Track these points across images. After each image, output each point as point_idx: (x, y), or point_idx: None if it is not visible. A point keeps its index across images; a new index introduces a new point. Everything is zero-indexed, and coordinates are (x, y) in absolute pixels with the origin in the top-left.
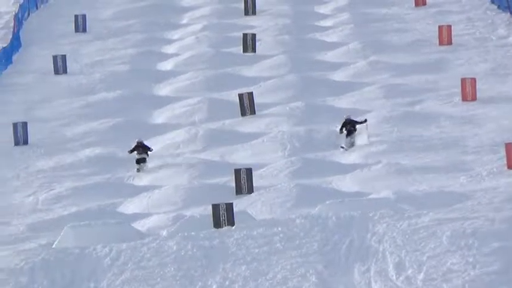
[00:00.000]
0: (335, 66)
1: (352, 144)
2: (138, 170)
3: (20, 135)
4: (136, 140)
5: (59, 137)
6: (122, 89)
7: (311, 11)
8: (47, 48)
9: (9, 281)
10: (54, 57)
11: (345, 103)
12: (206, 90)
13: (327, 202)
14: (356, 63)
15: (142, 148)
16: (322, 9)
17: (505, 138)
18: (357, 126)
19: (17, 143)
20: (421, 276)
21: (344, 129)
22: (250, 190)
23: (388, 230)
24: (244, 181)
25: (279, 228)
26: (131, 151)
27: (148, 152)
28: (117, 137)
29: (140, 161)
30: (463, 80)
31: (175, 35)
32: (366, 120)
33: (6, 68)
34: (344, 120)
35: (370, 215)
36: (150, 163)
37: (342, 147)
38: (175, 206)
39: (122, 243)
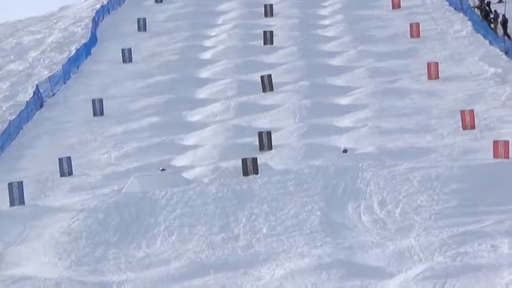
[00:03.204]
0: (332, 54)
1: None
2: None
3: (98, 108)
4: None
5: (126, 109)
6: (173, 73)
7: (314, 13)
8: (116, 43)
9: (90, 217)
10: (122, 50)
11: (340, 82)
12: (236, 73)
13: (327, 155)
14: (348, 51)
15: None
16: (323, 12)
17: (460, 107)
18: None
19: (95, 114)
20: (398, 210)
21: None
22: (270, 147)
23: (373, 176)
24: (265, 141)
25: (292, 176)
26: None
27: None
28: (170, 109)
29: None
30: (429, 64)
31: (212, 32)
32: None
33: (86, 58)
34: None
35: (360, 165)
36: (195, 130)
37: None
38: (214, 160)
39: (174, 188)
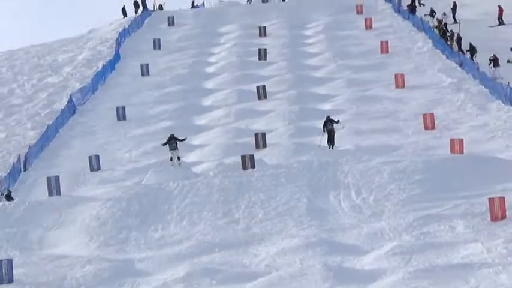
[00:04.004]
0: (316, 68)
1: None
2: (171, 159)
3: (121, 114)
4: (170, 134)
5: (145, 115)
6: (183, 84)
7: (300, 33)
8: (136, 59)
9: (115, 205)
10: (141, 65)
11: (323, 90)
12: (235, 84)
13: (312, 152)
14: (329, 65)
15: (174, 140)
16: (307, 32)
17: (423, 111)
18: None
19: (119, 119)
20: (371, 197)
21: (326, 129)
22: (265, 146)
23: (351, 169)
24: (260, 140)
25: (283, 170)
26: (164, 144)
27: (181, 142)
28: (181, 115)
29: (172, 159)
30: (396, 75)
31: (216, 50)
32: (338, 121)
33: (111, 72)
34: (325, 119)
35: (339, 160)
36: (202, 132)
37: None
38: (218, 157)
39: (184, 180)
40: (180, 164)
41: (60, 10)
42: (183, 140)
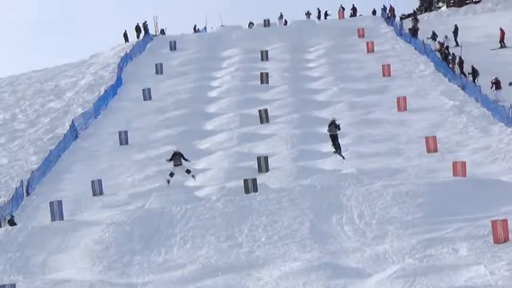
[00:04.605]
0: (318, 91)
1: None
2: (168, 182)
3: (123, 138)
4: (174, 150)
5: (147, 139)
6: (185, 109)
7: (302, 57)
8: (138, 84)
9: (118, 229)
10: (143, 90)
11: (325, 114)
12: (238, 108)
13: (315, 176)
14: (331, 89)
15: (179, 156)
16: (309, 56)
17: (425, 133)
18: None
19: (121, 143)
20: (374, 221)
21: (329, 134)
22: (267, 170)
23: (353, 192)
24: (263, 164)
25: (285, 193)
26: (169, 160)
27: (186, 162)
28: (183, 139)
29: (173, 174)
30: (398, 98)
31: (218, 74)
32: (339, 126)
33: (113, 97)
34: (331, 120)
35: (342, 183)
36: (204, 156)
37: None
38: (220, 181)
39: (187, 204)
40: (193, 176)
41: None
42: (188, 160)
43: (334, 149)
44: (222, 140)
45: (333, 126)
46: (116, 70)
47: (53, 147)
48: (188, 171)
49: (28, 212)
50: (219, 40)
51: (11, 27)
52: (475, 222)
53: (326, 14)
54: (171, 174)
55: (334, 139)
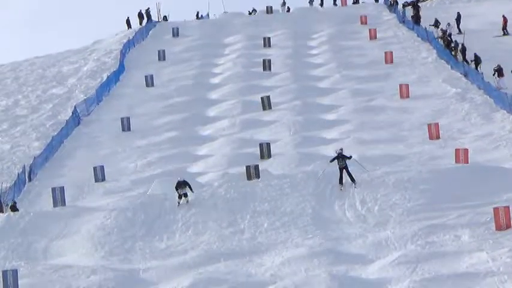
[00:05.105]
0: (320, 78)
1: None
2: (179, 203)
3: (125, 125)
4: (178, 179)
5: (149, 125)
6: (188, 95)
7: (305, 44)
8: (140, 70)
9: (121, 215)
10: (146, 76)
11: (327, 101)
12: (240, 95)
13: (317, 162)
14: (333, 75)
15: (184, 185)
16: (312, 43)
17: (427, 121)
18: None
19: (123, 130)
20: (376, 207)
21: (337, 164)
22: (269, 156)
23: (355, 179)
24: (265, 150)
25: (287, 180)
26: (176, 189)
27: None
28: (185, 125)
29: (181, 196)
30: (400, 85)
31: (220, 61)
32: (351, 157)
33: (115, 84)
34: (337, 154)
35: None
36: (207, 143)
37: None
38: (222, 167)
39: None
40: (187, 201)
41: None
42: (193, 191)
43: (341, 184)
44: (224, 127)
45: (341, 160)
46: (119, 56)
47: (55, 133)
48: (186, 195)
49: (30, 198)
50: (221, 26)
51: (14, 14)
52: (477, 209)
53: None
54: (180, 197)
55: (343, 170)
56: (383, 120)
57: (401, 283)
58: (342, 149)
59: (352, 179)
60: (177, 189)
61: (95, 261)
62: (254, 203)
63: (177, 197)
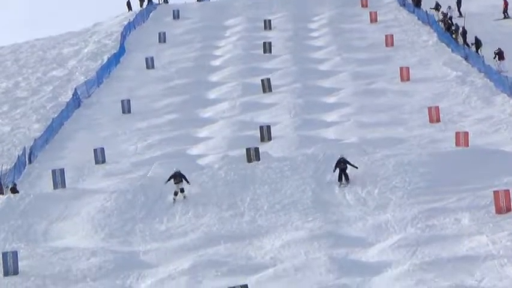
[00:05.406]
0: (321, 61)
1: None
2: (174, 200)
3: (126, 107)
4: (174, 170)
5: (149, 108)
6: (188, 77)
7: (305, 27)
8: (141, 53)
9: (121, 197)
10: (146, 59)
11: (327, 84)
12: (241, 77)
13: (317, 145)
14: (334, 58)
15: (179, 177)
16: (313, 26)
17: (427, 104)
18: (348, 166)
19: (123, 112)
20: (376, 190)
21: (338, 168)
22: (269, 139)
23: (355, 162)
24: (265, 133)
25: (288, 162)
26: (168, 180)
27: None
28: (186, 108)
29: (177, 193)
30: (401, 68)
31: (221, 43)
32: (357, 167)
33: (116, 66)
34: (338, 159)
35: (344, 152)
36: (207, 125)
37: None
38: (223, 149)
39: (190, 173)
40: (184, 196)
41: (65, 3)
42: (188, 183)
43: (340, 181)
44: (224, 109)
45: (343, 164)
46: (119, 38)
47: (56, 115)
48: (182, 190)
49: (30, 180)
50: (222, 9)
51: None
52: (477, 193)
53: None
54: (176, 193)
55: (345, 174)
56: (383, 103)
57: (401, 266)
58: (343, 156)
59: (347, 179)
60: (171, 179)
61: (95, 243)
62: (254, 186)
63: (173, 194)
